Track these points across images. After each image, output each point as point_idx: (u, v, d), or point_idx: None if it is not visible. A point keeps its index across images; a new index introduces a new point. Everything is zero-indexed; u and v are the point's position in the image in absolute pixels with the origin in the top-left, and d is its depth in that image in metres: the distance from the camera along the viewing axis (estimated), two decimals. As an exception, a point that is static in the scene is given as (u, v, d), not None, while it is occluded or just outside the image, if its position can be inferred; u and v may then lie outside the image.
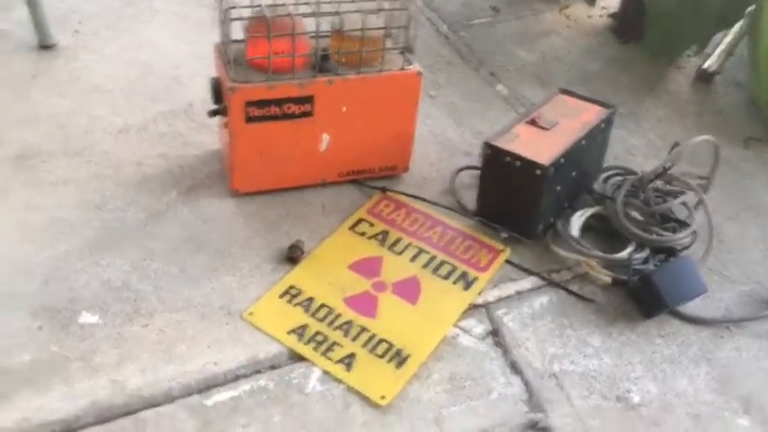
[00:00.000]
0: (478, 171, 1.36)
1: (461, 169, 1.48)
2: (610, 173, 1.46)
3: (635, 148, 1.63)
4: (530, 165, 1.26)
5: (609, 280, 1.25)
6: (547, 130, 1.35)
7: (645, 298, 1.22)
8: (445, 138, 1.60)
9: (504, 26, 2.04)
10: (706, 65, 1.87)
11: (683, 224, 1.35)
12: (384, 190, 1.42)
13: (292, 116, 1.29)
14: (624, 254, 1.28)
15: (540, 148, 1.29)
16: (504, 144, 1.30)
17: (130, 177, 1.40)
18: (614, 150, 1.56)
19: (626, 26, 2.01)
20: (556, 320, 1.21)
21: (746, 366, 1.17)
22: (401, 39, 1.34)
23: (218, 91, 1.28)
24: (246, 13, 1.29)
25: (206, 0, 2.00)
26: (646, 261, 1.28)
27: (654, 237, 1.30)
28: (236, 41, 1.30)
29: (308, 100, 1.29)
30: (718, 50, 1.86)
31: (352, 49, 1.29)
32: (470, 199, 1.40)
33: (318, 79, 1.28)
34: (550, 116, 1.38)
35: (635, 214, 1.35)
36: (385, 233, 1.33)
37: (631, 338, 1.19)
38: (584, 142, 1.33)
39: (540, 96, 1.75)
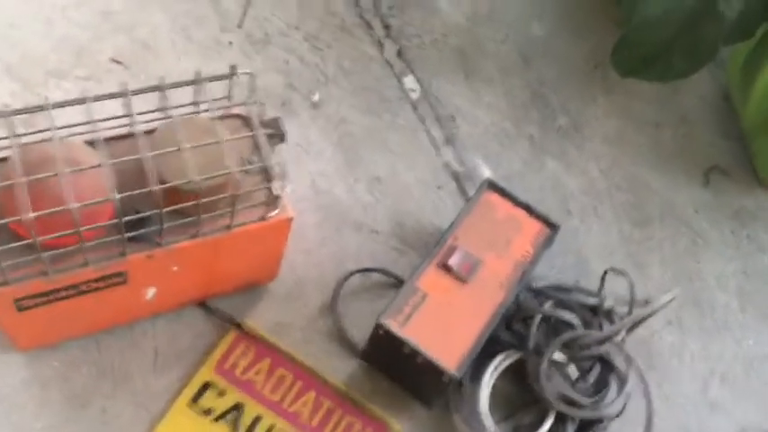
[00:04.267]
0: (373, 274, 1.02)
1: (347, 277, 1.10)
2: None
3: (571, 197, 1.26)
4: (435, 368, 0.92)
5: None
6: (465, 282, 0.98)
7: None
8: (329, 196, 1.17)
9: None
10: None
11: (619, 380, 1.08)
12: (238, 325, 1.04)
13: (96, 290, 0.86)
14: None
15: (452, 326, 0.94)
16: (402, 324, 0.93)
17: None
18: (543, 196, 1.21)
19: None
20: None
21: None
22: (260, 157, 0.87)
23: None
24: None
25: None
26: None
27: (579, 411, 1.04)
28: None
29: (118, 275, 0.85)
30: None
31: (176, 203, 0.82)
32: (357, 320, 1.06)
33: (130, 257, 0.83)
34: (471, 246, 1.00)
35: (559, 358, 1.06)
36: (239, 408, 0.99)
37: None
38: (511, 298, 0.98)
39: (459, 99, 1.30)
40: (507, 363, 1.06)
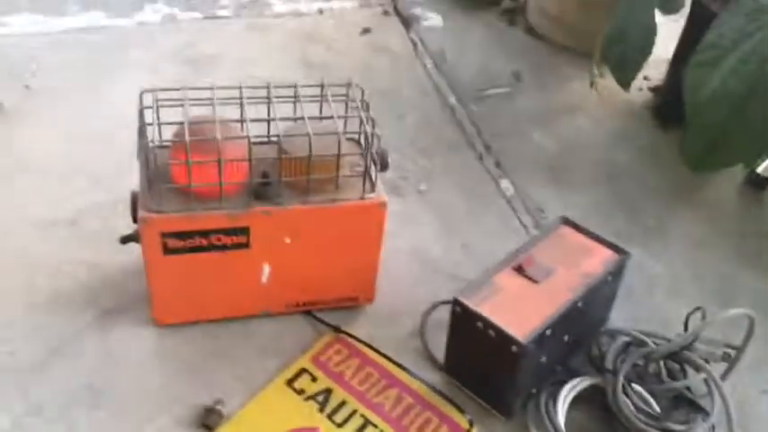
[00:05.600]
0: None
1: (436, 305, 1.23)
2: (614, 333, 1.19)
3: (656, 280, 1.35)
4: (505, 338, 1.00)
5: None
6: (536, 283, 1.09)
7: None
8: (428, 254, 1.34)
9: (524, 99, 1.76)
10: (759, 168, 1.57)
11: (700, 410, 1.08)
12: (338, 330, 1.18)
13: (223, 247, 1.07)
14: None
15: (523, 311, 1.03)
16: (477, 303, 1.04)
17: (41, 291, 1.19)
18: (630, 281, 1.29)
19: (669, 106, 1.71)
20: None
21: None
22: (363, 159, 1.09)
23: (135, 210, 1.06)
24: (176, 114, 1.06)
25: (194, 49, 1.79)
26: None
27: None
28: (163, 147, 1.08)
29: (243, 231, 1.05)
30: (774, 152, 1.56)
31: (296, 176, 1.05)
32: (442, 343, 1.16)
33: (254, 209, 1.04)
34: (544, 260, 1.12)
35: (639, 389, 1.09)
36: (328, 393, 1.09)
37: None
38: (580, 304, 1.07)
39: (550, 199, 1.49)
40: (584, 384, 1.10)
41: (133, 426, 1.03)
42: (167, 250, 1.04)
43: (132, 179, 1.08)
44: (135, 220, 1.05)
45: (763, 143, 1.30)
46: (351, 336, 1.17)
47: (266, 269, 1.11)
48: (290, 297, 1.17)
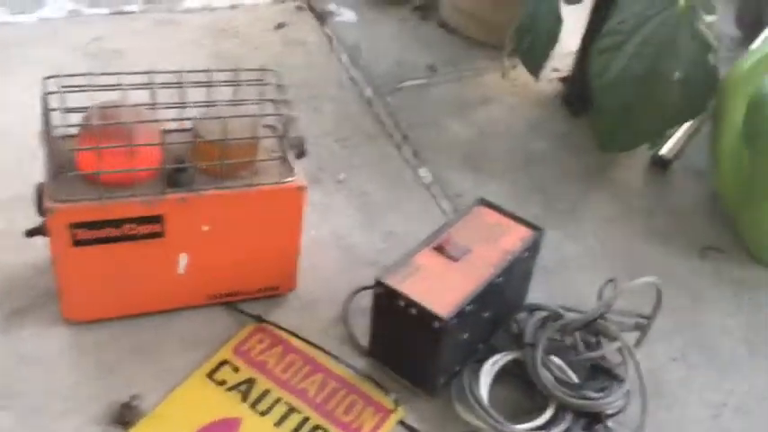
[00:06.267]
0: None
1: (358, 291, 1.23)
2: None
3: (570, 259, 1.39)
4: (427, 314, 1.01)
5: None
6: (456, 260, 1.10)
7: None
8: (349, 241, 1.34)
9: (440, 90, 1.78)
10: (662, 150, 1.64)
11: (616, 378, 1.11)
12: (260, 319, 1.16)
13: (136, 237, 1.03)
14: (539, 422, 1.05)
15: (444, 288, 1.04)
16: (398, 282, 1.05)
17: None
18: (546, 260, 1.32)
19: (578, 95, 1.77)
20: None
21: None
22: (280, 145, 1.08)
23: (41, 202, 1.02)
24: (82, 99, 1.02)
25: (100, 45, 1.73)
26: (567, 433, 1.05)
27: (577, 401, 1.07)
28: (69, 137, 1.04)
29: (157, 219, 1.02)
30: (676, 134, 1.63)
31: (210, 161, 1.03)
32: (366, 329, 1.15)
33: (168, 196, 1.02)
34: (463, 239, 1.13)
35: (557, 361, 1.11)
36: (250, 383, 1.07)
37: None
38: (500, 279, 1.09)
39: (468, 186, 1.51)
40: (506, 359, 1.12)
41: (45, 427, 0.99)
42: (77, 242, 1.00)
43: (35, 176, 1.04)
44: (41, 213, 1.01)
45: (665, 123, 1.36)
46: (273, 324, 1.15)
47: (183, 259, 1.08)
48: (209, 288, 1.14)
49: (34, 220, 1.03)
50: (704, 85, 1.35)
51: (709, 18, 1.35)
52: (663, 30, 1.34)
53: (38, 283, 1.15)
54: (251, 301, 1.18)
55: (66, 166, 0.99)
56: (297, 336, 1.14)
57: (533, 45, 1.62)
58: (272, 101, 1.09)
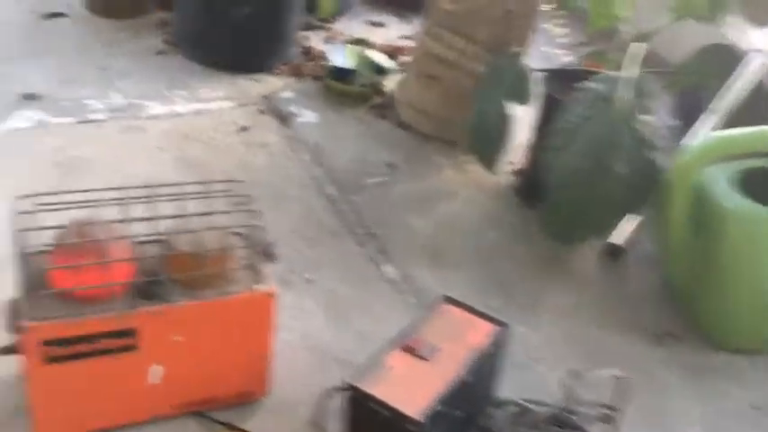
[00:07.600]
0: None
1: (330, 393, 1.23)
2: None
3: (535, 350, 1.43)
4: (400, 417, 1.03)
5: None
6: (426, 360, 1.13)
7: None
8: (319, 343, 1.36)
9: (400, 188, 1.85)
10: (617, 240, 1.71)
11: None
12: (231, 427, 1.16)
13: (110, 351, 1.04)
14: None
15: (415, 389, 1.07)
16: (371, 386, 1.07)
17: None
18: (512, 354, 1.36)
19: (530, 188, 1.85)
20: None
21: None
22: (250, 252, 1.12)
23: (13, 320, 1.02)
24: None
25: (67, 153, 1.76)
26: None
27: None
28: (41, 252, 1.05)
29: (130, 333, 1.04)
30: (630, 225, 1.71)
31: (182, 273, 1.06)
32: (340, 430, 1.16)
33: (141, 309, 1.04)
34: (431, 338, 1.16)
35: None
36: (225, 493, 1.08)
37: None
38: (470, 378, 1.12)
39: (431, 280, 1.55)
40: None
41: None
42: (49, 359, 1.01)
43: (2, 291, 1.05)
44: (13, 330, 1.02)
45: (613, 215, 1.43)
46: None
47: (156, 370, 1.09)
48: (181, 398, 1.15)
49: (5, 336, 1.04)
50: (646, 178, 1.44)
51: (646, 117, 1.45)
52: (603, 129, 1.43)
53: (8, 402, 1.13)
54: (223, 408, 1.18)
55: (39, 283, 1.01)
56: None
57: (485, 141, 1.71)
58: (240, 211, 1.13)
